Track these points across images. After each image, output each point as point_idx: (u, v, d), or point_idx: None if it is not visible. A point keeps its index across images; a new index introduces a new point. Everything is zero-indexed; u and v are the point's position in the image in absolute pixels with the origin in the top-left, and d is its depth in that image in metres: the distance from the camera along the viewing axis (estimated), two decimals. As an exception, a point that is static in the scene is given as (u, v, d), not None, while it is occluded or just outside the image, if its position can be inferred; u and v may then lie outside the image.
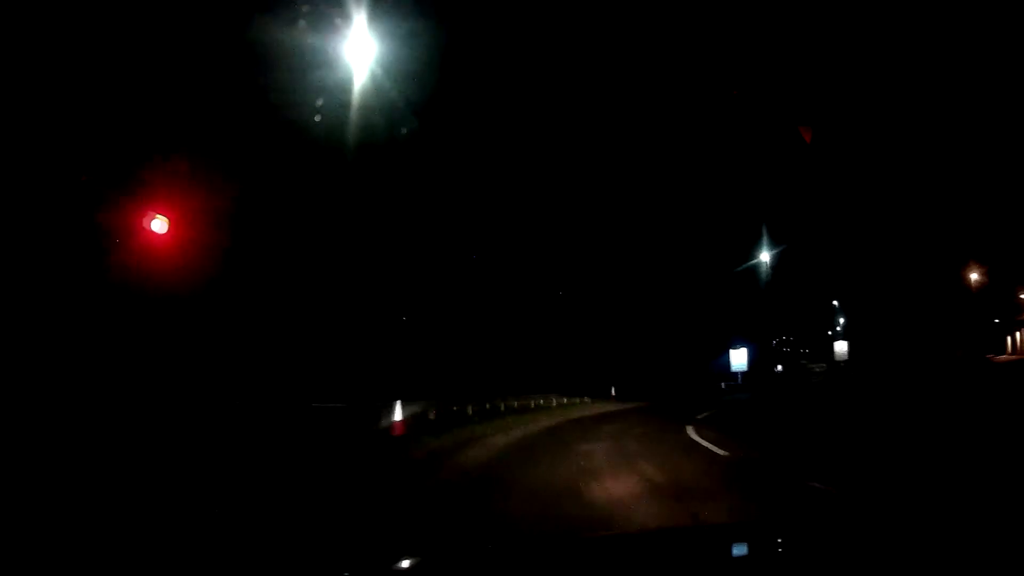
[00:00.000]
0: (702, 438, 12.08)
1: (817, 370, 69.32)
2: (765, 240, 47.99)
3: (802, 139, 25.04)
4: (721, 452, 10.08)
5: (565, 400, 27.56)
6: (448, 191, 31.71)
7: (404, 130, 20.65)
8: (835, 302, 64.05)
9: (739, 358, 48.06)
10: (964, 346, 51.40)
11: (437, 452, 11.12)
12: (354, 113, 13.77)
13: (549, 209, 41.88)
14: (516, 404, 22.53)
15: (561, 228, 43.56)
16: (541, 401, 24.97)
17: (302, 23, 12.89)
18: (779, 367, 60.84)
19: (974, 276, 50.72)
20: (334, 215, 22.89)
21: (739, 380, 47.02)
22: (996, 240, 42.87)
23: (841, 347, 55.68)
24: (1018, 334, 54.21)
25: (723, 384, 44.70)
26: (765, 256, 48.59)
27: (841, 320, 65.48)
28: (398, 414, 12.39)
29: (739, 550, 2.36)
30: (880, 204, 40.42)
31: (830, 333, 67.17)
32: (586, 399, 29.11)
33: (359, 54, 10.97)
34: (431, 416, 15.92)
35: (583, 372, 36.35)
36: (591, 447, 11.11)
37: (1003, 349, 54.89)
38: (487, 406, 19.66)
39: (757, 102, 28.03)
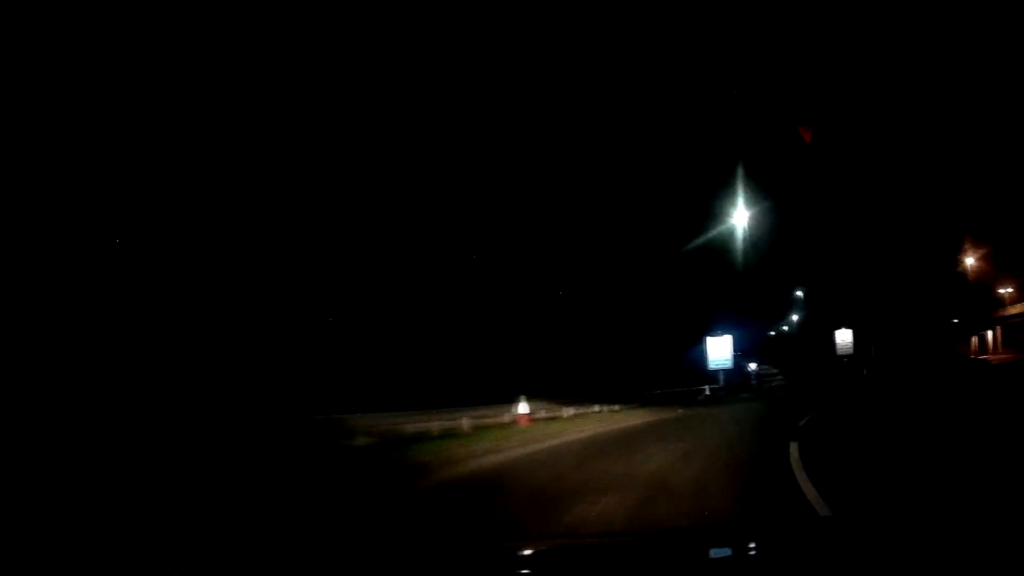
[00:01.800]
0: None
1: (764, 374, 59.06)
2: (740, 199, 33.03)
3: (801, 138, 25.27)
4: None
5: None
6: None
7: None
8: (799, 292, 54.73)
9: (720, 350, 33.28)
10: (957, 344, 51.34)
11: None
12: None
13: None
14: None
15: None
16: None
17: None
18: (752, 365, 47.21)
19: (970, 262, 47.84)
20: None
21: (721, 381, 32.30)
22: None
23: (844, 337, 42.10)
24: (990, 333, 52.88)
25: (707, 389, 29.59)
26: (742, 217, 33.36)
27: (794, 317, 57.60)
28: None
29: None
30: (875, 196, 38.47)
31: (772, 334, 60.90)
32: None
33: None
34: None
35: (461, 369, 20.26)
36: None
37: (968, 348, 53.68)
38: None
39: (756, 102, 27.30)
